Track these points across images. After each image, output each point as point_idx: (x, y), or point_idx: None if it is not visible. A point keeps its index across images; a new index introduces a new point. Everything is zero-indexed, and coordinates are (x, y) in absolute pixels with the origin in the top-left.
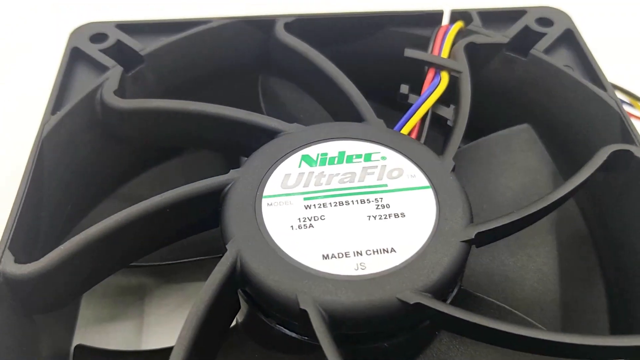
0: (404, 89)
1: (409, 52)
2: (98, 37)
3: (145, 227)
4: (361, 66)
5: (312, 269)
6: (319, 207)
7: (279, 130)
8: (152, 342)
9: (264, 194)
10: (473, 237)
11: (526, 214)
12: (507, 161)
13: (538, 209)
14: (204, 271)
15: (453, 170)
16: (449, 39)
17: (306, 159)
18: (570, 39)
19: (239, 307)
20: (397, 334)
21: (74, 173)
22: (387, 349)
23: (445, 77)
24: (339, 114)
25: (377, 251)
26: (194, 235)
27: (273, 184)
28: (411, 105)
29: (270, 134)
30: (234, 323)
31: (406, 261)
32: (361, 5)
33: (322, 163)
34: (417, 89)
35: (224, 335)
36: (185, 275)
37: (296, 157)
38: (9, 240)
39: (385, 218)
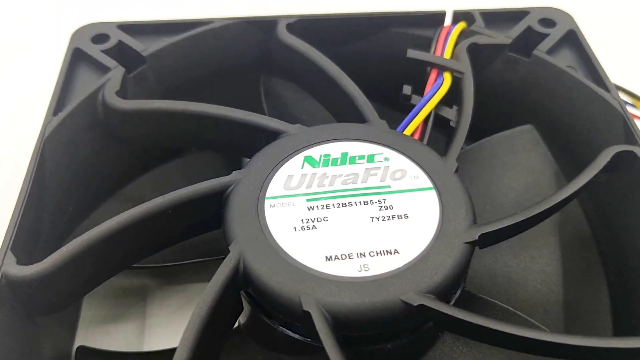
0: (407, 89)
1: (412, 53)
2: (100, 37)
3: (147, 228)
4: (363, 67)
5: (315, 270)
6: (322, 208)
7: (282, 131)
8: (154, 343)
9: (267, 195)
10: (476, 238)
11: (530, 215)
12: (510, 162)
13: (541, 210)
14: (206, 272)
15: (456, 171)
16: (451, 39)
17: (309, 160)
18: (573, 40)
19: (242, 309)
20: (400, 335)
21: (75, 174)
22: (390, 351)
23: (447, 78)
24: (341, 115)
25: (380, 253)
26: (195, 237)
27: (276, 185)
28: (414, 106)
29: (272, 135)
30: (236, 324)
31: (409, 263)
32: (363, 5)
33: (325, 164)
34: (419, 89)
35: (227, 337)
36: (187, 277)
37: (299, 158)
38: (11, 242)
39: (388, 219)
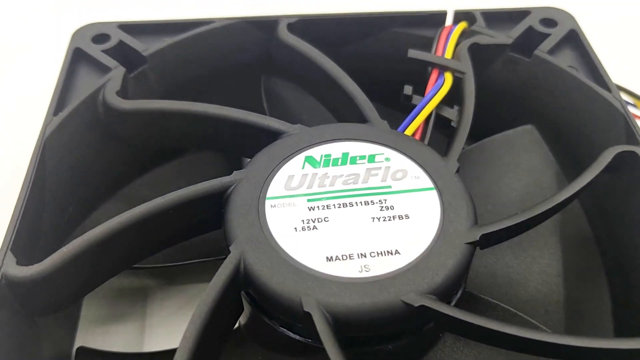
0: (408, 89)
1: (413, 53)
2: (100, 37)
3: (147, 229)
4: (364, 67)
5: (316, 271)
6: (323, 208)
7: (282, 131)
8: (154, 343)
9: (268, 195)
10: (478, 239)
11: (531, 216)
12: (511, 162)
13: (543, 210)
14: (207, 273)
15: (457, 171)
16: (452, 39)
17: (310, 160)
18: (575, 40)
19: (242, 309)
20: (401, 336)
21: (75, 174)
22: (391, 351)
23: (449, 78)
24: (342, 115)
25: (381, 253)
26: (196, 237)
27: (276, 186)
28: (415, 106)
29: (273, 135)
30: (237, 325)
31: (410, 263)
32: (364, 5)
33: (326, 164)
34: (420, 89)
35: (227, 338)
36: (187, 277)
37: (299, 158)
38: (11, 242)
39: (389, 220)
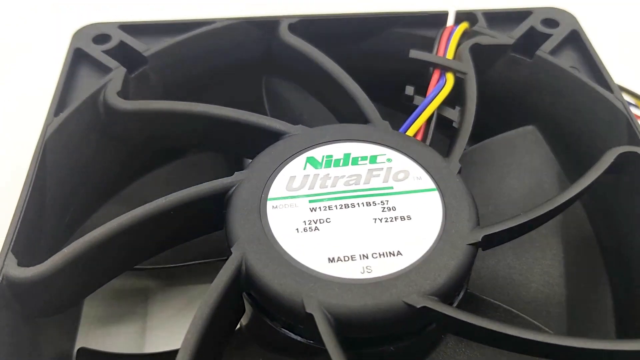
0: (409, 90)
1: (414, 54)
2: (101, 38)
3: (149, 229)
4: (366, 67)
5: (317, 272)
6: (325, 209)
7: (284, 132)
8: (155, 344)
9: (269, 196)
10: (480, 240)
11: (533, 217)
12: (513, 163)
13: (545, 211)
14: (208, 274)
15: (459, 172)
16: (454, 40)
17: (311, 161)
18: (576, 40)
19: (244, 311)
20: (403, 337)
21: (76, 175)
22: (393, 353)
23: (450, 79)
24: (343, 116)
25: (383, 254)
26: (197, 238)
27: (278, 187)
28: (416, 106)
29: (274, 136)
30: (238, 326)
31: (412, 264)
32: (366, 6)
33: (328, 165)
34: (422, 90)
35: (229, 339)
36: (188, 278)
37: (301, 159)
38: (12, 243)
39: (391, 221)
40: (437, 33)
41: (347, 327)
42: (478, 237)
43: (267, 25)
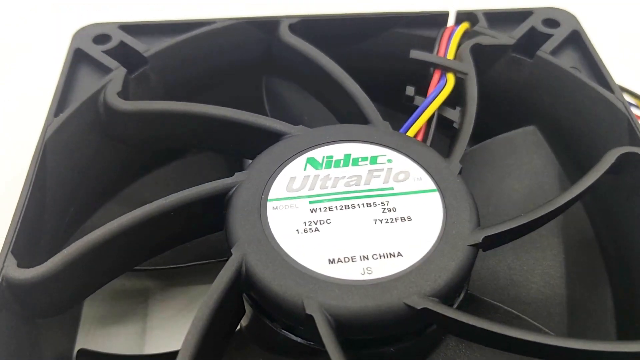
0: (410, 90)
1: (415, 54)
2: (101, 38)
3: (149, 230)
4: (366, 68)
5: (318, 273)
6: (325, 210)
7: (284, 133)
8: (155, 345)
9: (269, 197)
10: (480, 241)
11: (534, 218)
12: (513, 163)
13: (546, 212)
14: (207, 274)
15: (460, 173)
16: (454, 40)
17: (311, 161)
18: (577, 41)
19: (244, 312)
20: (403, 338)
21: (76, 175)
22: (393, 354)
23: (451, 79)
24: (344, 116)
25: (384, 255)
26: (197, 238)
27: (278, 187)
28: (417, 107)
29: (274, 136)
30: (238, 327)
31: (413, 265)
32: (366, 6)
33: (328, 166)
34: (422, 90)
35: (229, 340)
36: (188, 279)
37: (301, 159)
38: (12, 244)
39: (391, 222)
40: (437, 33)
41: (348, 329)
42: (479, 238)
43: (267, 26)
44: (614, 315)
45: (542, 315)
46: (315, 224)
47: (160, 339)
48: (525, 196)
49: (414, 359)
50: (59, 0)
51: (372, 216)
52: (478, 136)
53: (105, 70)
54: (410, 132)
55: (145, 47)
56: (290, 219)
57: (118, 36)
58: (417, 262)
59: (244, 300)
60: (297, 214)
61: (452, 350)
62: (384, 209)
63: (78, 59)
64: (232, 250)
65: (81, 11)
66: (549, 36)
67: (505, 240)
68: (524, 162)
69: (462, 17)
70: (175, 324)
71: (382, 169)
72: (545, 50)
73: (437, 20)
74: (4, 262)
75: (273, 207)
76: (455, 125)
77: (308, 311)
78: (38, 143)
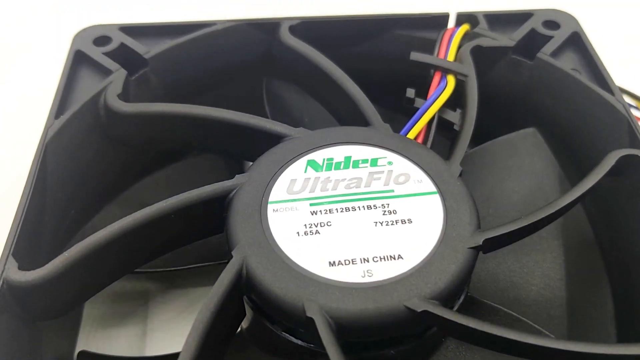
0: (410, 92)
1: (415, 56)
2: (101, 40)
3: (149, 232)
4: (366, 69)
5: (318, 276)
6: (325, 213)
7: (284, 135)
8: (156, 347)
9: (270, 199)
10: (481, 243)
11: (534, 220)
12: (514, 165)
13: (546, 214)
14: (208, 276)
15: (460, 175)
16: (455, 42)
17: (312, 164)
18: (577, 42)
19: (244, 314)
20: (403, 341)
21: (77, 177)
22: (394, 356)
23: (451, 81)
24: (344, 118)
25: (384, 258)
26: (198, 241)
27: (279, 190)
28: (417, 109)
29: (275, 139)
30: (239, 330)
31: (413, 268)
32: (366, 7)
33: (328, 168)
34: (423, 92)
35: (229, 342)
36: (189, 281)
37: (302, 162)
38: (13, 247)
39: (392, 224)
40: (438, 35)
41: (348, 331)
42: (479, 240)
43: (267, 27)
44: (614, 317)
45: (542, 318)
46: (316, 227)
47: (160, 341)
48: (525, 198)
49: None
50: (59, 1)
51: (372, 219)
52: (478, 138)
53: (106, 72)
54: (411, 134)
55: (146, 49)
56: (291, 222)
57: (118, 38)
58: (418, 264)
59: (245, 302)
60: (297, 216)
61: (452, 353)
62: (385, 211)
63: (78, 60)
64: (233, 253)
65: (81, 12)
66: (549, 38)
67: (505, 242)
68: (524, 164)
69: (462, 18)
70: (175, 326)
71: (383, 172)
72: (545, 52)
73: (437, 22)
74: (5, 264)
75: (273, 210)
76: (455, 127)
77: (308, 314)
78: (38, 145)
